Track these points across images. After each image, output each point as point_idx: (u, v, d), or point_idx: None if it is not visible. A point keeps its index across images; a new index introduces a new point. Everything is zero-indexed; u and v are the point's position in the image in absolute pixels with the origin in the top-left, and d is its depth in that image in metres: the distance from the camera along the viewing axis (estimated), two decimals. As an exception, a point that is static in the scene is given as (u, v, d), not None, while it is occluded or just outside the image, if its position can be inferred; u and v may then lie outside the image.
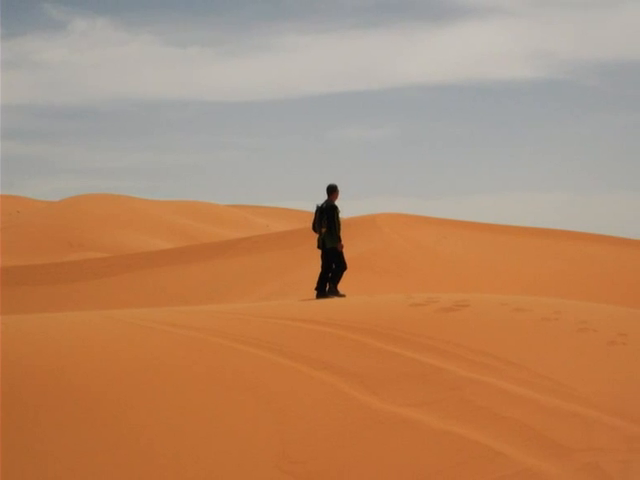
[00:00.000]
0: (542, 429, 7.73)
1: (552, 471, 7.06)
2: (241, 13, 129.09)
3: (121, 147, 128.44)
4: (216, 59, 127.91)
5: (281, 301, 19.43)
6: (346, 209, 17.61)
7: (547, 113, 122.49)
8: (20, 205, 78.41)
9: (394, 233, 33.88)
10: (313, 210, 16.92)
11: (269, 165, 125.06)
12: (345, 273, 16.89)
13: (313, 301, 15.50)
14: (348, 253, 17.78)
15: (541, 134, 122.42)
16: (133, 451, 8.41)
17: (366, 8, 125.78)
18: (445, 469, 7.35)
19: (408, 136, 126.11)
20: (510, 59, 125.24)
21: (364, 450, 7.88)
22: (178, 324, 12.33)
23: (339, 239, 16.59)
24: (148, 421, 8.94)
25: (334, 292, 16.49)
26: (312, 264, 23.68)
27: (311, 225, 17.09)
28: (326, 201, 16.75)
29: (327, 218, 16.56)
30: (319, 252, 16.95)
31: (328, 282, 16.66)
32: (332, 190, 16.82)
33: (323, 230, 16.60)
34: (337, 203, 16.82)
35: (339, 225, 16.65)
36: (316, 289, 16.73)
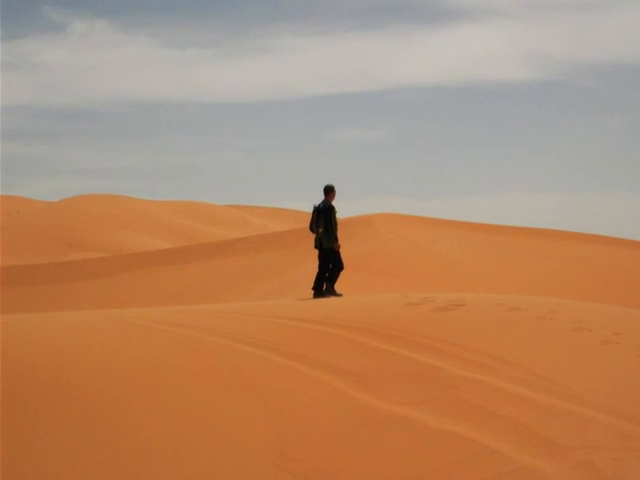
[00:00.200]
0: (537, 427, 7.73)
1: (547, 469, 7.06)
2: (239, 15, 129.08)
3: (120, 148, 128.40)
4: (214, 61, 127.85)
5: (279, 300, 19.46)
6: (343, 209, 17.66)
7: (542, 114, 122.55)
8: (20, 205, 78.31)
9: (390, 233, 33.90)
10: (310, 210, 16.97)
11: (266, 166, 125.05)
12: (342, 273, 16.94)
13: (310, 300, 15.53)
14: (345, 253, 17.83)
15: (536, 135, 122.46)
16: (132, 449, 8.43)
17: (362, 10, 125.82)
18: (441, 467, 7.36)
19: (404, 137, 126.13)
20: (506, 61, 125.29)
21: (361, 448, 7.90)
22: (176, 323, 12.36)
23: (336, 239, 16.64)
24: (147, 419, 8.97)
25: (331, 292, 16.54)
26: (309, 264, 23.72)
27: (308, 225, 17.15)
28: (323, 201, 16.80)
29: (324, 218, 16.61)
30: (316, 252, 17.00)
31: (325, 282, 16.71)
32: (329, 190, 16.87)
33: (320, 230, 16.65)
34: (334, 203, 16.87)
35: (336, 225, 16.70)
36: (313, 289, 16.78)
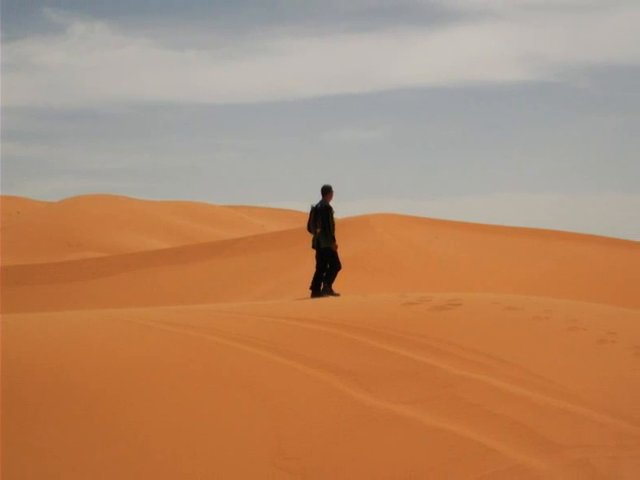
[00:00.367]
0: (533, 426, 7.72)
1: (543, 467, 7.04)
2: (237, 17, 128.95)
3: (119, 148, 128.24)
4: (212, 62, 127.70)
5: (277, 300, 19.51)
6: (340, 210, 17.73)
7: (538, 115, 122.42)
8: (20, 206, 78.24)
9: (387, 233, 33.93)
10: (308, 211, 17.02)
11: (265, 166, 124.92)
12: (339, 273, 16.98)
13: (308, 300, 15.57)
14: (342, 253, 17.87)
15: (532, 136, 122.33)
16: (131, 448, 8.45)
17: (360, 12, 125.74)
18: (438, 465, 7.36)
19: (401, 138, 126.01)
20: (501, 62, 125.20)
21: (358, 446, 7.91)
22: (175, 323, 12.39)
23: (333, 239, 16.68)
24: (146, 418, 9.00)
25: (328, 291, 16.58)
26: (307, 264, 23.75)
27: (306, 225, 17.19)
28: (321, 202, 16.85)
29: (322, 218, 16.66)
30: (314, 252, 17.05)
31: (323, 281, 16.76)
32: (326, 191, 16.92)
33: (318, 230, 16.69)
34: (331, 204, 16.92)
35: (333, 225, 16.74)
36: (311, 288, 16.82)
